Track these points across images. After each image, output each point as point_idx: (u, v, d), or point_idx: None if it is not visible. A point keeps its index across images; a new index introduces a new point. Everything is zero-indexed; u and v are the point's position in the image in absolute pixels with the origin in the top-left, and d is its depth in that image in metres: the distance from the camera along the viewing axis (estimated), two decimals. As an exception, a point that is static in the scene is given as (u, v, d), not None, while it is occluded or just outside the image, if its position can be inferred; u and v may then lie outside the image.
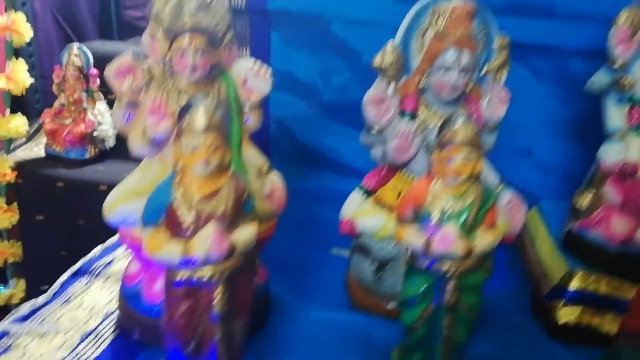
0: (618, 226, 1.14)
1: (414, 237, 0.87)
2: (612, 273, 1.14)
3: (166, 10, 0.85)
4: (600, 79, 1.14)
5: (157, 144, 0.90)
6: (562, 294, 1.17)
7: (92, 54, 1.76)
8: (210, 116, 0.67)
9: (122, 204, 0.90)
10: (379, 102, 1.04)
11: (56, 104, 1.77)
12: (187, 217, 0.71)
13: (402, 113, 1.04)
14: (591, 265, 1.17)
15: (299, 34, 1.58)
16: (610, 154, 1.12)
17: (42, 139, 1.85)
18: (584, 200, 1.18)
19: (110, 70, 0.89)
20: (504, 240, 1.12)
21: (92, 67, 1.75)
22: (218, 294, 0.74)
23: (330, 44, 1.56)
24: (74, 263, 1.28)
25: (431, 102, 1.04)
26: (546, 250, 1.32)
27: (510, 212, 1.10)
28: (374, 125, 1.05)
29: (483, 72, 1.06)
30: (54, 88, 1.77)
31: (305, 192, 1.70)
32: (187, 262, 0.72)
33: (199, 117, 0.67)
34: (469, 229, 0.85)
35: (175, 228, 0.72)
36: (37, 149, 1.86)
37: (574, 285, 1.16)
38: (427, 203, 0.86)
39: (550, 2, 1.44)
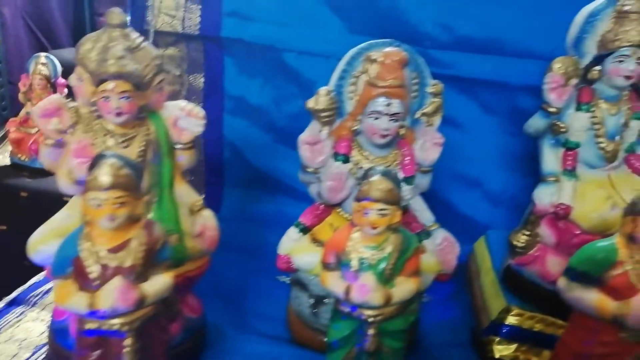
0: (553, 265, 1.17)
1: (335, 284, 0.89)
2: (547, 311, 1.16)
3: (91, 56, 0.85)
4: (536, 122, 1.16)
5: (83, 185, 0.90)
6: (499, 329, 1.19)
7: (66, 61, 1.73)
8: (115, 174, 0.68)
9: (44, 244, 0.89)
10: (313, 143, 1.05)
11: (22, 113, 1.76)
12: (93, 270, 0.71)
13: (336, 155, 1.05)
14: (527, 302, 1.20)
15: (253, 62, 1.58)
16: (543, 196, 1.14)
17: (8, 147, 1.83)
18: (520, 238, 1.21)
19: (36, 111, 0.89)
20: (439, 279, 1.15)
21: (60, 76, 1.74)
22: (128, 344, 0.75)
23: (283, 72, 1.57)
24: (37, 274, 1.28)
25: (364, 145, 1.05)
26: (488, 284, 1.34)
27: (444, 251, 1.11)
28: (309, 166, 1.06)
29: (417, 116, 1.08)
30: (21, 96, 1.76)
31: (258, 217, 1.71)
32: (94, 314, 0.72)
33: (103, 176, 0.67)
34: (387, 278, 0.86)
35: (83, 280, 0.72)
36: (1, 157, 1.85)
37: (510, 321, 1.19)
38: (347, 251, 0.87)
39: (499, 39, 1.47)
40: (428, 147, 1.08)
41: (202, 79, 1.62)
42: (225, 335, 1.19)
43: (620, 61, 1.07)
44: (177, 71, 1.60)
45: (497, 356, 1.17)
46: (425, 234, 1.13)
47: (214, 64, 1.60)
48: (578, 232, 1.12)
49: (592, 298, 0.86)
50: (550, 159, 1.17)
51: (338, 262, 0.89)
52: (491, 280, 1.33)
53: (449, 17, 1.48)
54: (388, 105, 0.99)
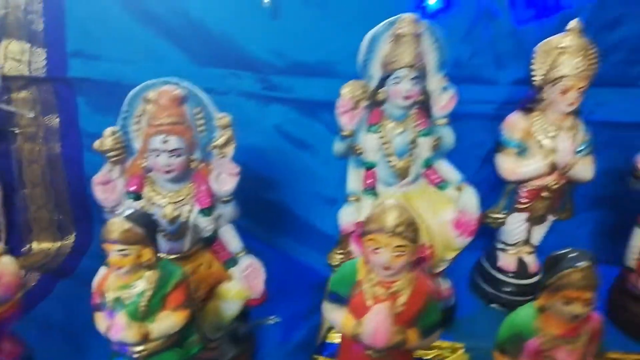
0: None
1: (100, 324, 0.92)
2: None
3: None
4: (336, 146, 1.20)
5: None
6: (324, 348, 1.23)
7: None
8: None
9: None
10: (105, 183, 1.08)
11: None
12: None
13: (128, 193, 1.08)
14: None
15: (104, 99, 1.60)
16: (345, 216, 1.19)
17: None
18: (334, 258, 1.25)
19: None
20: (250, 304, 1.18)
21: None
22: None
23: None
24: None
25: (157, 182, 1.09)
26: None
27: (249, 277, 1.14)
28: (106, 207, 1.09)
29: (209, 149, 1.11)
30: None
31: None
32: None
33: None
34: (143, 315, 0.89)
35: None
36: None
37: (333, 339, 1.24)
38: (104, 291, 0.90)
39: (329, 62, 1.52)
40: (223, 178, 1.11)
41: (57, 119, 1.64)
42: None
43: (397, 82, 1.11)
44: (31, 113, 1.62)
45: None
46: (233, 261, 1.16)
47: (67, 104, 1.63)
48: (379, 247, 1.16)
49: (338, 317, 0.90)
50: (353, 179, 1.21)
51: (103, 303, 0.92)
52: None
53: (281, 43, 1.53)
54: (165, 142, 1.02)
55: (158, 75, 1.57)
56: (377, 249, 0.83)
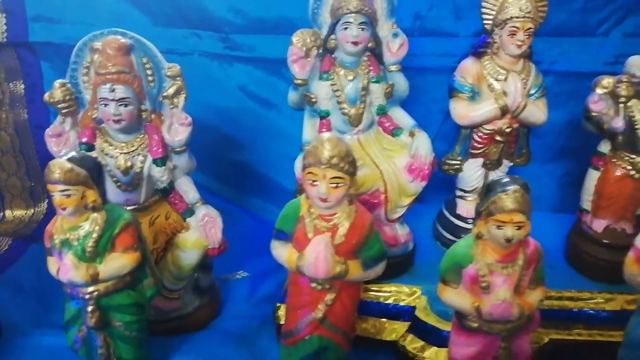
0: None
1: (51, 267, 0.93)
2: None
3: None
4: (291, 96, 1.22)
5: None
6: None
7: None
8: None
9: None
10: (57, 135, 1.09)
11: None
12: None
13: (80, 144, 1.09)
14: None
15: (67, 64, 1.60)
16: (299, 165, 1.18)
17: None
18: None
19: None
20: (209, 253, 1.19)
21: None
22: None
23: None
24: None
25: (109, 132, 1.09)
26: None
27: (206, 227, 1.16)
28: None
29: (160, 99, 1.12)
30: None
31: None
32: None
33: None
34: (91, 256, 0.90)
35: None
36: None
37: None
38: (52, 234, 0.92)
39: (289, 19, 1.51)
40: (175, 128, 1.12)
41: (22, 86, 1.64)
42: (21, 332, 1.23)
43: (346, 28, 1.12)
44: (-5, 80, 1.62)
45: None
46: (190, 211, 1.17)
47: (31, 69, 1.63)
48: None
49: (284, 253, 0.92)
50: (308, 129, 1.22)
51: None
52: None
53: (240, 1, 1.53)
54: (112, 91, 1.02)
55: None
56: (314, 181, 0.85)
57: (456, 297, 0.89)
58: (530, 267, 0.86)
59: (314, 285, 0.90)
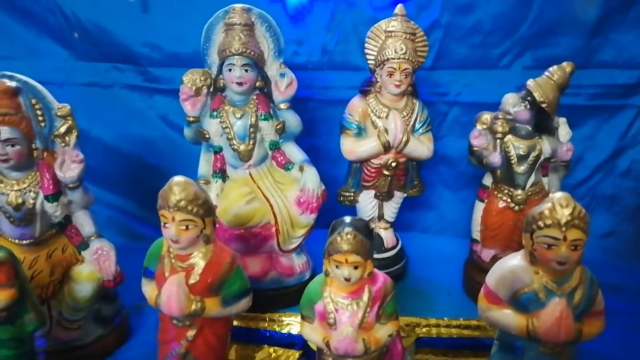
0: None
1: None
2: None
3: None
4: (185, 132, 1.25)
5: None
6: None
7: None
8: None
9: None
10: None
11: None
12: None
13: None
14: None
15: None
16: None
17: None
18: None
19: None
20: (105, 285, 1.22)
21: None
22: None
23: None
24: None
25: (2, 171, 1.13)
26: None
27: (99, 259, 1.19)
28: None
29: (52, 138, 1.16)
30: None
31: None
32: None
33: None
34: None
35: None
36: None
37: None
38: None
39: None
40: (67, 165, 1.15)
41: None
42: None
43: (230, 69, 1.17)
44: None
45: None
46: (85, 245, 1.20)
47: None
48: (225, 227, 1.22)
49: (148, 290, 0.96)
50: (203, 163, 1.27)
51: None
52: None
53: (155, 36, 1.58)
54: (-2, 133, 1.07)
55: (41, 71, 1.64)
56: (165, 224, 0.89)
57: (311, 332, 0.92)
58: (375, 303, 0.89)
59: (174, 322, 0.94)
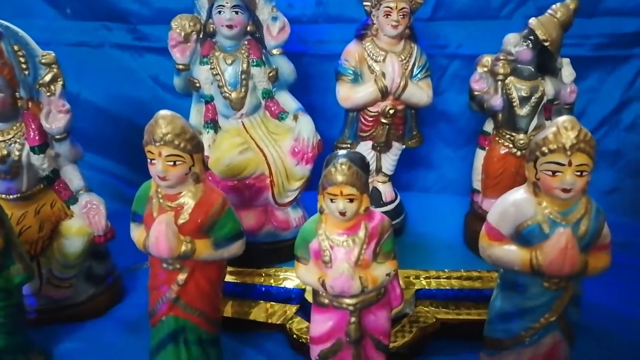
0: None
1: None
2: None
3: None
4: (176, 82, 1.21)
5: None
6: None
7: None
8: None
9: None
10: None
11: None
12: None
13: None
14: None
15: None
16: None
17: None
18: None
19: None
20: (96, 240, 1.19)
21: None
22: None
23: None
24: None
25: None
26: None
27: (89, 214, 1.16)
28: None
29: (37, 87, 1.12)
30: None
31: None
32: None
33: None
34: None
35: None
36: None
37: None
38: None
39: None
40: (54, 115, 1.11)
41: None
42: None
43: (220, 12, 1.12)
44: None
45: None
46: (74, 199, 1.17)
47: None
48: (218, 179, 1.18)
49: (136, 234, 0.92)
50: (194, 114, 1.23)
51: None
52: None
53: (143, -10, 1.54)
54: (-25, 79, 1.03)
55: (28, 31, 1.59)
56: (152, 160, 0.85)
57: (306, 273, 0.89)
58: (372, 240, 0.85)
59: (165, 265, 0.91)
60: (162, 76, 1.63)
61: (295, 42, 1.38)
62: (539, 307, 0.85)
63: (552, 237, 0.80)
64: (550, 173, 0.78)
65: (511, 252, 0.84)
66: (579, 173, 0.77)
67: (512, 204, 0.84)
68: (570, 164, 0.76)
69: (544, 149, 0.77)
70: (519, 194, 0.85)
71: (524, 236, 0.83)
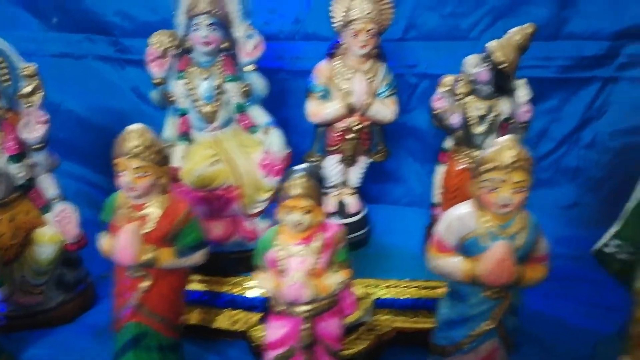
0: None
1: None
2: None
3: None
4: (152, 95, 1.26)
5: None
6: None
7: None
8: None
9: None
10: None
11: None
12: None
13: None
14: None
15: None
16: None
17: None
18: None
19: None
20: (68, 248, 1.22)
21: None
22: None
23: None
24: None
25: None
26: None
27: (62, 222, 1.20)
28: None
29: (17, 98, 1.16)
30: None
31: None
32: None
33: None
34: None
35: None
36: None
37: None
38: None
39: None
40: (32, 126, 1.16)
41: None
42: None
43: (196, 29, 1.18)
44: None
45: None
46: (48, 207, 1.21)
47: None
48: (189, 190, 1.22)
49: (103, 243, 0.97)
50: (168, 126, 1.27)
51: None
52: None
53: (126, 5, 1.59)
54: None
55: (11, 42, 1.64)
56: (121, 172, 0.90)
57: (263, 281, 0.94)
58: (326, 250, 0.90)
59: (128, 273, 0.95)
60: (143, 88, 1.68)
61: (272, 58, 1.43)
62: (479, 315, 0.90)
63: (490, 249, 0.85)
64: (489, 189, 0.84)
65: (454, 263, 0.90)
66: (517, 189, 0.83)
67: (457, 218, 0.90)
68: (508, 181, 0.82)
69: (485, 166, 0.83)
70: (463, 208, 0.90)
71: (467, 248, 0.89)
